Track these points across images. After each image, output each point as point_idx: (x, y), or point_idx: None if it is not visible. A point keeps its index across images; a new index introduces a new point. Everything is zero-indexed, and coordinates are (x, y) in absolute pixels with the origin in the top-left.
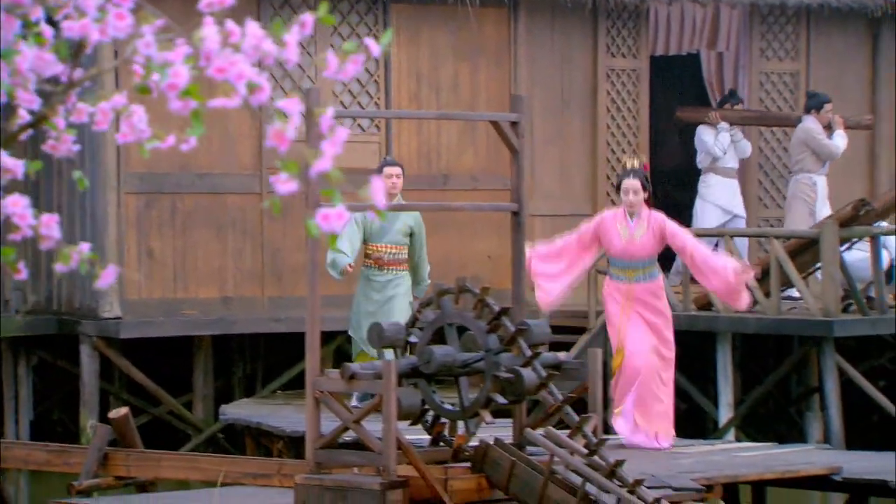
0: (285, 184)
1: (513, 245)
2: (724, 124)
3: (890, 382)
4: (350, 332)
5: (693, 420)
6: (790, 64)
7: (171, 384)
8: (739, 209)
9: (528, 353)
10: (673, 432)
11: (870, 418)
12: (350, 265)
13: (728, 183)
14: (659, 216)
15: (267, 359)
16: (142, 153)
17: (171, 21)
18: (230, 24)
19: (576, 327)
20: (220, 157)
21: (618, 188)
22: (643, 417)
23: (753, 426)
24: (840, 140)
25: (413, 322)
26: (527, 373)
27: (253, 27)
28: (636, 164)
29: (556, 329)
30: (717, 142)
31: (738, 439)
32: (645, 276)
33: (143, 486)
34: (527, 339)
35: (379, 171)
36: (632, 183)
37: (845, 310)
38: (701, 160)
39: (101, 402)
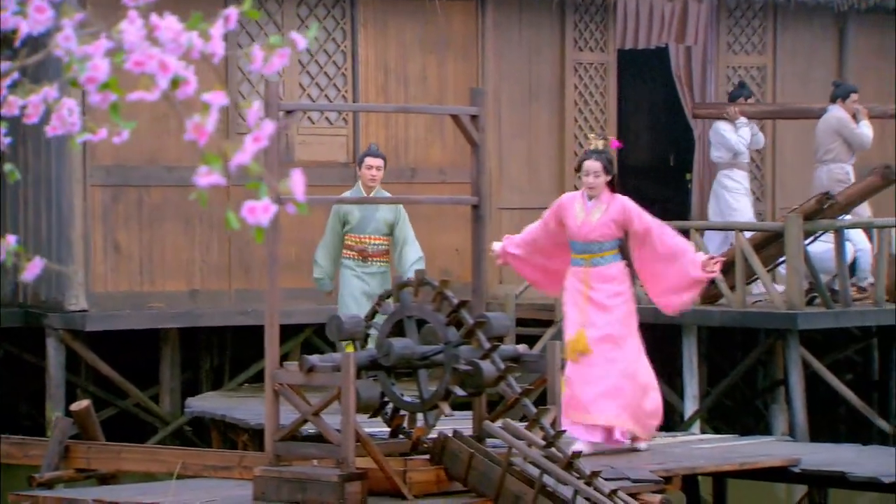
0: (206, 177)
1: (473, 238)
2: (743, 119)
3: (857, 375)
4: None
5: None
6: (757, 58)
7: (139, 377)
8: None
9: (487, 345)
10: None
11: (836, 411)
12: (331, 291)
13: (745, 176)
14: (622, 199)
15: (234, 351)
16: (72, 146)
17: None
18: (154, 18)
19: (543, 320)
20: (187, 150)
21: (578, 168)
22: (626, 412)
23: (721, 419)
24: (867, 129)
25: (372, 315)
26: (486, 365)
27: (170, 20)
28: (600, 144)
29: (523, 322)
30: (739, 137)
31: (703, 432)
32: (604, 260)
33: (105, 479)
34: (486, 331)
35: (360, 161)
36: (592, 164)
37: (810, 303)
38: (721, 156)
39: (68, 394)
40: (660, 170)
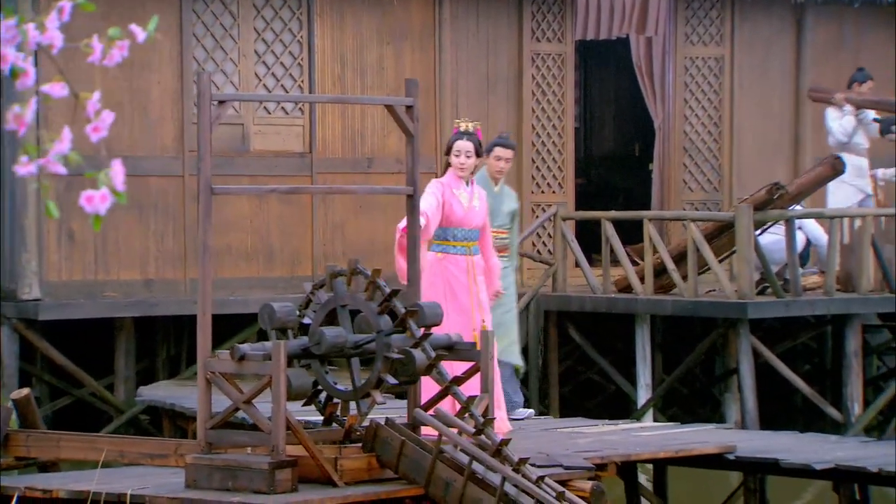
0: (26, 167)
1: (408, 228)
2: (848, 107)
3: (813, 364)
4: None
5: (618, 402)
6: (715, 49)
7: (95, 366)
8: (868, 188)
9: (419, 333)
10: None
11: (793, 399)
12: None
13: (861, 162)
14: (479, 187)
15: (191, 340)
16: None
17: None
18: None
19: None
20: (141, 139)
21: (448, 150)
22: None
23: (678, 407)
24: None
25: (307, 304)
26: (417, 353)
27: None
28: (470, 126)
29: None
30: (840, 125)
31: (657, 421)
32: (477, 249)
33: (45, 466)
34: (418, 320)
35: (488, 149)
36: (465, 144)
37: (762, 292)
38: (831, 141)
39: (24, 383)
40: (625, 160)
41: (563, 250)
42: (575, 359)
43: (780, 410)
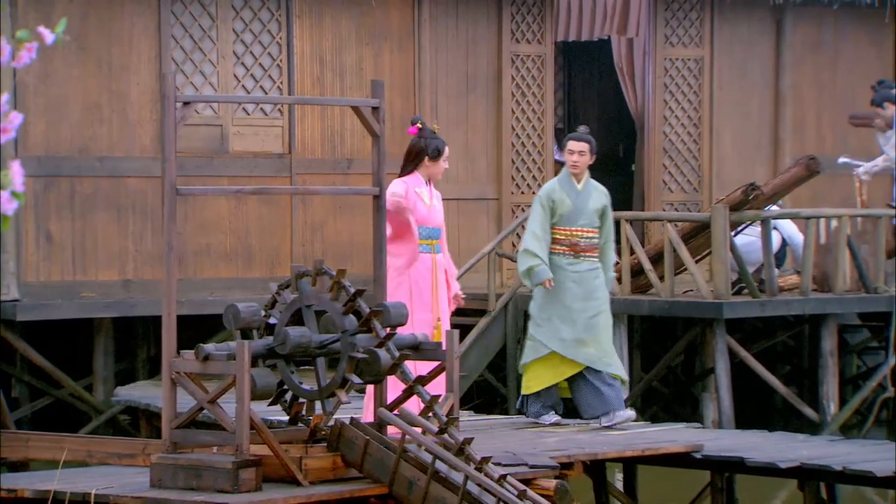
0: None
1: (374, 228)
2: (890, 131)
3: (793, 366)
4: (533, 331)
5: None
6: (695, 50)
7: (75, 366)
8: None
9: (383, 333)
10: None
11: (772, 399)
12: (550, 280)
13: None
14: (433, 189)
15: None
16: None
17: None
18: None
19: (476, 310)
20: (119, 140)
21: (437, 154)
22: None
23: (658, 407)
24: None
25: (272, 304)
26: (382, 353)
27: None
28: (436, 128)
29: (455, 311)
30: (891, 147)
31: (635, 420)
32: (440, 248)
33: (15, 466)
34: (383, 320)
35: (563, 144)
36: (447, 150)
37: (738, 292)
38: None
39: (3, 384)
40: (609, 161)
41: None
42: None
43: (760, 410)
